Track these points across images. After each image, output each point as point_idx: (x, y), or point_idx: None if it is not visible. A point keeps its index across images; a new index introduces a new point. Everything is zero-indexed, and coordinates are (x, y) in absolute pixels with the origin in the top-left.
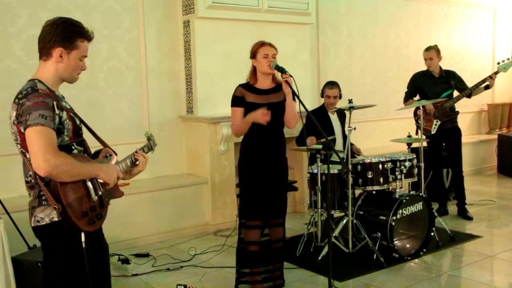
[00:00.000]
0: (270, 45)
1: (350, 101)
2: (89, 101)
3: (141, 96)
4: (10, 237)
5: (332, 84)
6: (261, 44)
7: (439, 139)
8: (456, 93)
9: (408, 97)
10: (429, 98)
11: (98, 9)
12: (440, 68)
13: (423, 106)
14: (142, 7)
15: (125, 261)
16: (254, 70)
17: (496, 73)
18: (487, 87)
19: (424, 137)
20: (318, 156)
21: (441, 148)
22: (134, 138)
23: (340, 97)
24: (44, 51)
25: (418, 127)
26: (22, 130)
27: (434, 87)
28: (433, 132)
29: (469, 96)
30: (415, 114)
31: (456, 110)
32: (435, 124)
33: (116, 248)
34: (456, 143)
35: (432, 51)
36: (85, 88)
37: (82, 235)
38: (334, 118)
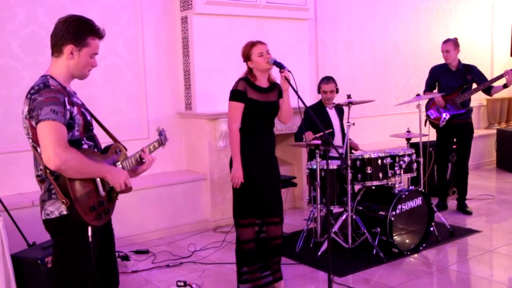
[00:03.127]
0: (261, 42)
1: (348, 97)
2: (87, 98)
3: (140, 93)
4: (10, 234)
5: (327, 79)
6: (252, 44)
7: (450, 133)
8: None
9: (427, 89)
10: (444, 91)
11: (96, 6)
12: (459, 61)
13: (432, 99)
14: (139, 4)
15: (125, 257)
16: (249, 71)
17: None
18: (505, 86)
19: (426, 131)
20: (317, 151)
21: (450, 143)
22: (133, 135)
23: (337, 92)
24: (56, 48)
25: (426, 120)
26: (34, 125)
27: (450, 80)
28: (441, 126)
29: (488, 93)
30: (427, 106)
31: (470, 106)
32: (444, 118)
33: (116, 244)
34: (466, 139)
35: (449, 43)
36: (83, 85)
37: (89, 229)
38: (332, 113)
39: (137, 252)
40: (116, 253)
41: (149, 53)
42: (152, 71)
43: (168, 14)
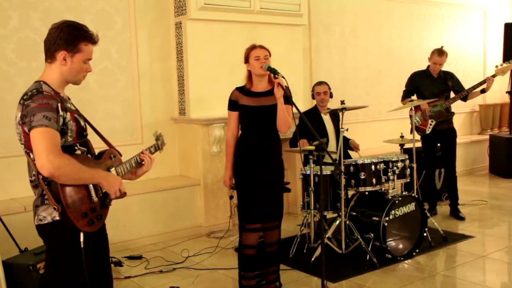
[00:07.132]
0: (261, 47)
1: (342, 102)
2: (81, 103)
3: (133, 98)
4: (1, 240)
5: (320, 82)
6: (252, 47)
7: (434, 139)
8: (453, 95)
9: (405, 96)
10: (426, 98)
11: (90, 11)
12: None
13: (417, 106)
14: (134, 9)
15: (118, 263)
16: (249, 75)
17: (493, 76)
18: (482, 91)
19: (418, 137)
20: (311, 157)
21: (435, 149)
22: (126, 140)
23: (331, 96)
24: (49, 54)
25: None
26: (27, 131)
27: (432, 87)
28: (427, 132)
29: (464, 99)
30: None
31: (452, 111)
32: (430, 124)
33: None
34: (451, 144)
35: (445, 58)
36: (76, 90)
37: (81, 235)
38: (326, 118)
39: (130, 257)
40: (110, 259)
41: (143, 58)
42: (146, 76)
43: (162, 19)
